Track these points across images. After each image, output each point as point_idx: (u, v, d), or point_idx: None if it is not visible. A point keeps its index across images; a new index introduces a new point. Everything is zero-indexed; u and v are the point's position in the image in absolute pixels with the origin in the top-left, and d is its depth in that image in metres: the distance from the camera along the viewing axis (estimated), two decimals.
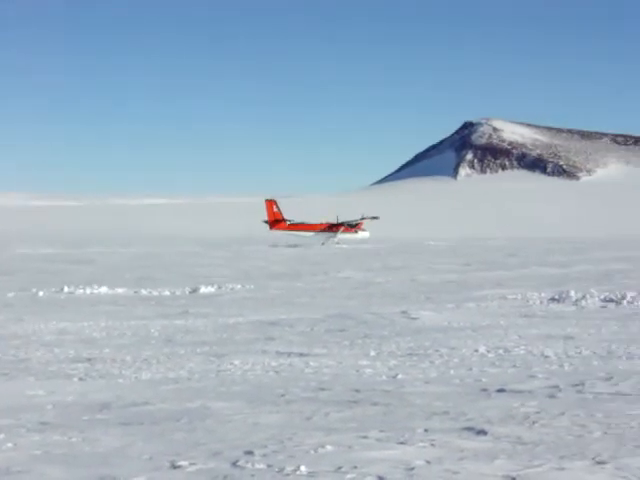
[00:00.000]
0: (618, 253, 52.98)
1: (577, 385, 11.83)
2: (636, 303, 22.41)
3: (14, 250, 61.70)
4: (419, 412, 10.45)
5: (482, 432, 9.35)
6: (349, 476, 7.85)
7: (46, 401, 11.44)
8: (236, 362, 14.54)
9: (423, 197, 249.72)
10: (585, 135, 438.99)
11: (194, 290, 29.34)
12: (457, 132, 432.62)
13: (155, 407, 11.05)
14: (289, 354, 15.40)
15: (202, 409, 10.90)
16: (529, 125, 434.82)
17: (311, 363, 14.33)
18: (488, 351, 15.19)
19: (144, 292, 28.67)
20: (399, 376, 12.93)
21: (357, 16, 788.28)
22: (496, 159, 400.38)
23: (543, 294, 24.89)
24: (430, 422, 9.89)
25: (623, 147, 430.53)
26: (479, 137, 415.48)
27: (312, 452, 8.66)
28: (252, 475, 7.97)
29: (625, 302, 22.57)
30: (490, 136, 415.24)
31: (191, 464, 8.34)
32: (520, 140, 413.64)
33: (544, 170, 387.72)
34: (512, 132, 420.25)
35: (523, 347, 15.54)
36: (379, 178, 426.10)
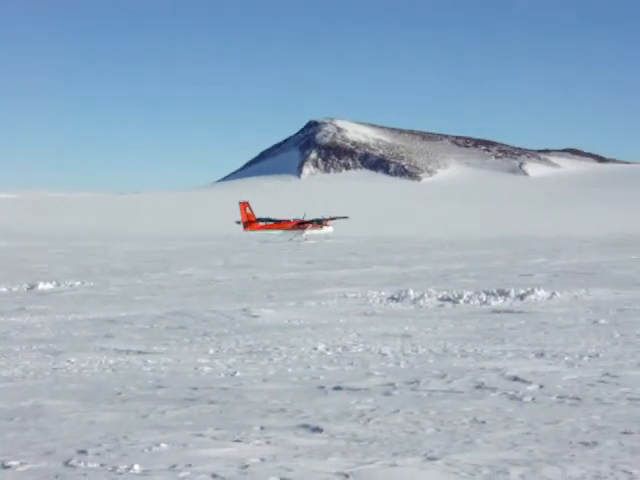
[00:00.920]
0: (457, 253, 54.16)
1: (412, 383, 12.05)
2: (472, 302, 22.95)
3: None
4: (256, 410, 10.47)
5: (318, 429, 9.43)
6: (183, 474, 7.82)
7: None
8: (73, 360, 14.29)
9: (266, 195, 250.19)
10: (427, 136, 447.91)
11: (32, 287, 28.70)
12: (302, 131, 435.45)
13: None
14: (127, 352, 15.23)
15: (35, 408, 10.68)
16: (372, 126, 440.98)
17: (149, 361, 14.20)
18: (327, 349, 15.32)
19: None
20: (237, 374, 12.93)
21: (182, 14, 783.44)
22: (340, 158, 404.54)
23: (383, 293, 25.24)
24: (266, 420, 9.93)
25: (463, 149, 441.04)
26: (323, 136, 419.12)
27: (146, 450, 8.59)
28: (84, 474, 7.85)
29: (462, 301, 23.09)
30: (334, 136, 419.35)
31: (22, 464, 8.17)
32: (363, 140, 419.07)
33: (387, 170, 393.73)
34: (356, 132, 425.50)
35: (361, 345, 15.74)
36: (224, 176, 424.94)
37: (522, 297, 23.50)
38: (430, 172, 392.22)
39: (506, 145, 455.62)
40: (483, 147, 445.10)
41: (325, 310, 21.76)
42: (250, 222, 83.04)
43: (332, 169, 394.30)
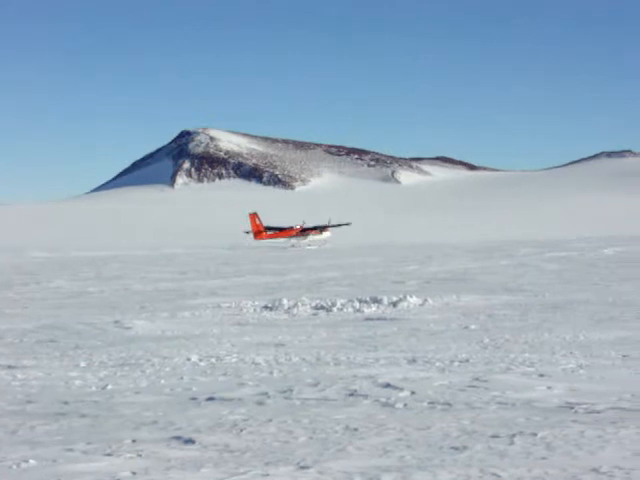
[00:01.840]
0: (330, 261, 54.47)
1: (285, 392, 12.06)
2: (346, 310, 23.10)
3: None
4: (128, 423, 10.34)
5: (190, 441, 9.37)
6: None
7: None
8: None
9: (138, 205, 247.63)
10: (300, 145, 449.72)
11: None
12: (174, 141, 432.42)
13: None
14: None
15: None
16: (246, 135, 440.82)
17: (19, 375, 13.89)
18: (200, 360, 15.23)
19: None
20: (109, 387, 12.74)
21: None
22: (213, 168, 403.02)
23: (257, 302, 25.22)
24: (138, 432, 9.81)
25: (336, 157, 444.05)
26: (196, 146, 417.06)
27: (15, 467, 8.40)
28: None
29: (335, 309, 23.23)
30: (207, 145, 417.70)
31: None
32: (237, 150, 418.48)
33: (260, 179, 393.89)
34: (229, 141, 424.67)
35: (235, 355, 15.69)
36: (95, 186, 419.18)
37: (395, 304, 23.77)
38: (304, 181, 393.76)
39: (379, 154, 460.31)
40: (356, 156, 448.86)
41: (199, 321, 21.63)
42: (259, 232, 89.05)
43: (205, 179, 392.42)
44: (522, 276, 35.11)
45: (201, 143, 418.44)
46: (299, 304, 23.93)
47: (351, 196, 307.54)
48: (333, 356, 15.31)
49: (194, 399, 11.76)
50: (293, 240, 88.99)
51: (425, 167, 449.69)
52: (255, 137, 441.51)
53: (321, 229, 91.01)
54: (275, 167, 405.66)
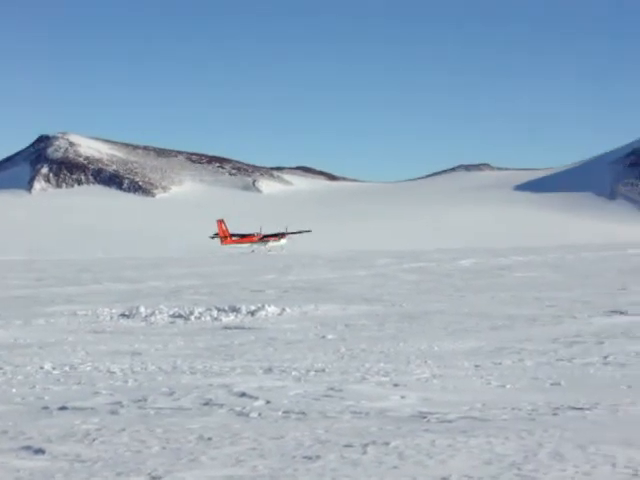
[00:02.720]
0: (190, 269, 54.18)
1: (140, 401, 11.92)
2: (204, 319, 22.99)
3: None
4: None
5: (40, 451, 9.18)
6: None
7: None
8: None
9: None
10: (161, 153, 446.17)
11: None
12: (32, 145, 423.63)
13: None
14: None
15: None
16: (107, 141, 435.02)
17: None
18: (54, 368, 14.94)
19: None
20: None
21: None
22: (72, 174, 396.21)
23: (114, 310, 24.90)
24: None
25: (198, 165, 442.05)
26: (55, 151, 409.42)
27: None
28: None
29: (193, 317, 23.09)
30: (66, 150, 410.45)
31: None
32: (97, 155, 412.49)
33: (120, 186, 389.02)
34: (89, 147, 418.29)
35: (90, 363, 15.44)
36: None
37: (253, 313, 23.77)
38: (164, 188, 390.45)
39: (240, 162, 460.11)
40: (217, 164, 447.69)
41: (54, 328, 21.23)
42: (226, 237, 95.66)
43: (64, 184, 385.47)
44: (380, 286, 35.53)
45: (60, 148, 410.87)
46: (157, 312, 23.71)
47: (212, 204, 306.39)
48: (189, 365, 15.21)
49: (46, 408, 11.53)
50: (255, 246, 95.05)
51: (286, 176, 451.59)
52: (116, 143, 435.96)
53: (280, 236, 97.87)
54: (136, 174, 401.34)
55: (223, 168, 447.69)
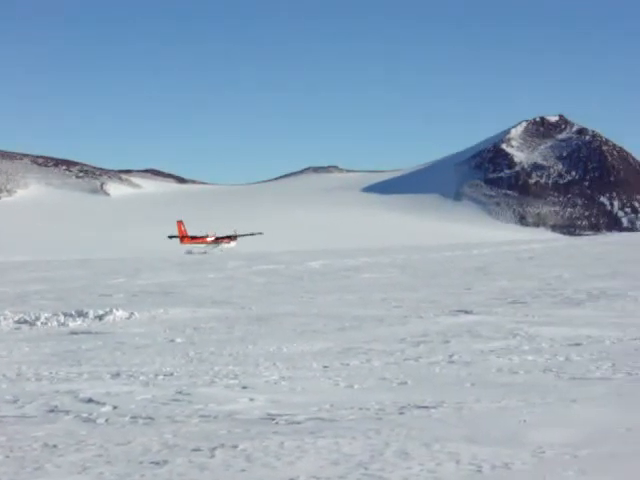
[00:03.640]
0: (36, 273, 53.06)
1: None
2: (50, 324, 22.52)
3: None
4: None
5: None
6: None
7: None
8: None
9: None
10: (5, 155, 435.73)
11: None
12: None
13: None
14: None
15: None
16: None
17: None
18: None
19: None
20: None
21: None
22: None
23: None
24: None
25: (44, 168, 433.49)
26: None
27: None
28: None
29: (39, 323, 22.60)
30: None
31: None
32: None
33: None
34: None
35: None
36: None
37: (101, 318, 23.41)
38: (9, 192, 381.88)
39: (88, 165, 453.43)
40: (64, 167, 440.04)
41: None
42: (184, 237, 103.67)
43: None
44: (230, 289, 35.47)
45: None
46: (1, 318, 23.12)
47: (59, 208, 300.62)
48: (35, 371, 14.89)
49: None
50: (208, 247, 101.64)
51: (135, 179, 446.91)
52: None
53: (232, 238, 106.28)
54: None
55: (70, 171, 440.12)
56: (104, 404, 11.82)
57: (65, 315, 23.55)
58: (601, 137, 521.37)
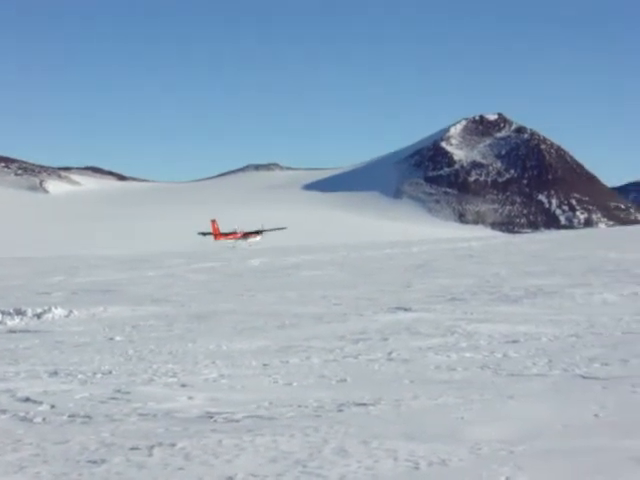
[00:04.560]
0: None
1: None
2: None
3: None
4: None
5: None
6: None
7: None
8: None
9: None
10: None
11: None
12: None
13: None
14: None
15: None
16: None
17: None
18: None
19: None
20: None
21: None
22: None
23: None
24: None
25: None
26: None
27: None
28: None
29: None
30: None
31: None
32: None
33: None
34: None
35: None
36: None
37: (39, 316, 23.19)
38: None
39: (27, 162, 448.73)
40: (2, 164, 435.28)
41: None
42: (218, 234, 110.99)
43: None
44: (169, 287, 35.30)
45: None
46: None
47: None
48: None
49: None
50: (237, 242, 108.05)
51: (75, 177, 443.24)
52: None
53: (258, 233, 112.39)
54: None
55: (8, 168, 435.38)
56: (41, 403, 11.73)
57: (3, 313, 23.30)
58: (539, 136, 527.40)
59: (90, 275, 46.07)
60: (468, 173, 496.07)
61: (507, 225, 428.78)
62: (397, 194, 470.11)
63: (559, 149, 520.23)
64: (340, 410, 10.97)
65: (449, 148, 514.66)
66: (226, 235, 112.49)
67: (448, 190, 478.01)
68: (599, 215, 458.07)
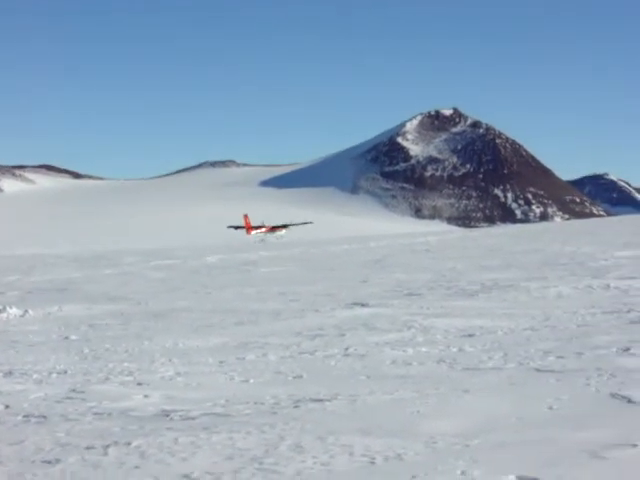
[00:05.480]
0: None
1: None
2: None
3: None
4: None
5: None
6: None
7: None
8: None
9: None
10: None
11: None
12: None
13: None
14: None
15: None
16: None
17: None
18: None
19: None
20: None
21: None
22: None
23: None
24: None
25: None
26: None
27: None
28: None
29: None
30: None
31: None
32: None
33: None
34: None
35: None
36: None
37: None
38: None
39: None
40: None
41: None
42: (249, 228, 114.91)
43: None
44: (126, 285, 35.13)
45: None
46: None
47: None
48: None
49: None
50: (266, 235, 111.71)
51: (29, 175, 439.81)
52: None
53: (284, 227, 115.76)
54: None
55: None
56: None
57: None
58: (494, 130, 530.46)
59: (46, 274, 45.71)
60: (424, 168, 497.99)
61: (463, 220, 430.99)
62: (354, 190, 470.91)
63: (514, 143, 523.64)
64: (296, 406, 10.98)
65: (405, 143, 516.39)
66: (257, 228, 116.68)
67: (405, 185, 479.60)
68: (555, 209, 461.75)
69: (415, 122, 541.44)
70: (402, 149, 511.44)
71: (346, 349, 15.51)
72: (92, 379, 13.40)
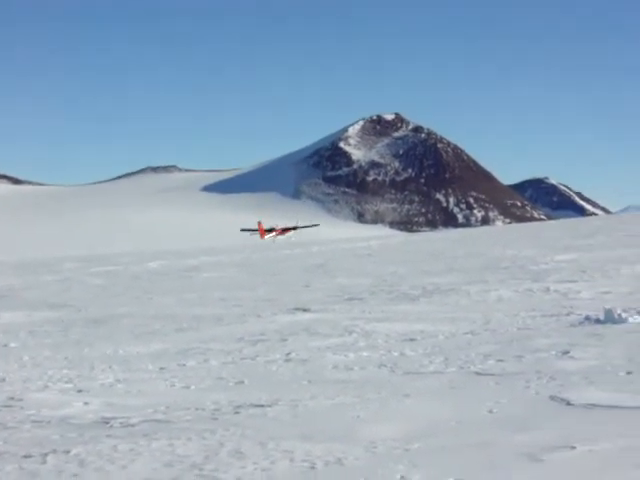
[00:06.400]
0: None
1: None
2: None
3: None
4: None
5: None
6: None
7: None
8: None
9: None
10: None
11: None
12: None
13: None
14: None
15: None
16: None
17: None
18: None
19: None
20: None
21: None
22: None
23: None
24: None
25: None
26: None
27: None
28: None
29: None
30: None
31: None
32: None
33: None
34: None
35: None
36: None
37: None
38: None
39: None
40: None
41: None
42: (263, 232, 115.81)
43: None
44: (66, 291, 34.81)
45: None
46: None
47: None
48: None
49: None
50: (278, 237, 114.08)
51: None
52: None
53: (293, 229, 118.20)
54: None
55: None
56: None
57: None
58: (436, 135, 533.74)
59: None
60: (366, 173, 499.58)
61: (406, 224, 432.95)
62: (296, 194, 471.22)
63: (456, 148, 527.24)
64: (237, 412, 10.94)
65: (347, 148, 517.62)
66: (270, 231, 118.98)
67: (347, 190, 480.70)
68: (496, 213, 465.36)
69: (357, 127, 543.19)
70: (344, 154, 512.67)
71: (288, 354, 15.50)
72: (31, 387, 13.26)
